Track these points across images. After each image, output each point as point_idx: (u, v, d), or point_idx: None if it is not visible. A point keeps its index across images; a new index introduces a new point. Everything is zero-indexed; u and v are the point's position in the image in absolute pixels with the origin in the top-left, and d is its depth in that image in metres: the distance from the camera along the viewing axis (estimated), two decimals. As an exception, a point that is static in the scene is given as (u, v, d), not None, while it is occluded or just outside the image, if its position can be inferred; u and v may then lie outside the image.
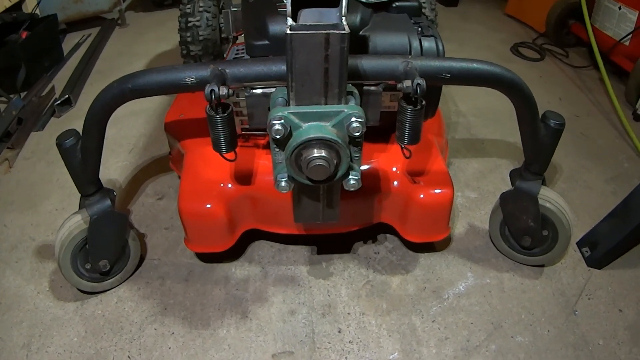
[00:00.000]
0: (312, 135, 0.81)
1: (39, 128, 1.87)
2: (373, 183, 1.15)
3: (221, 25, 1.62)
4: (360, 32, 1.05)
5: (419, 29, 1.08)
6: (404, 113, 0.90)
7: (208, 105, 0.89)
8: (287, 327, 1.12)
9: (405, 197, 1.15)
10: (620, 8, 2.08)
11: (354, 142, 0.86)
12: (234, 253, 1.29)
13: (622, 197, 1.25)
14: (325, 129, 0.82)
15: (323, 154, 0.82)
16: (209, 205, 1.12)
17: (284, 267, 1.27)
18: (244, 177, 1.14)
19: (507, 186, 1.20)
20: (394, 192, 1.16)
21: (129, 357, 1.06)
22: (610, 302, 1.18)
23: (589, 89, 2.15)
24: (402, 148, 0.99)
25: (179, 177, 1.25)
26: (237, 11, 1.60)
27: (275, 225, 1.22)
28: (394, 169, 1.16)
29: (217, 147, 0.94)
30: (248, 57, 1.07)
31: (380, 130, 1.17)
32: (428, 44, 1.05)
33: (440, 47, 1.05)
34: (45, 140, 1.79)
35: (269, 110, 0.90)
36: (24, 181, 1.60)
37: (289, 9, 0.79)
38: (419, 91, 0.85)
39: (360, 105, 0.88)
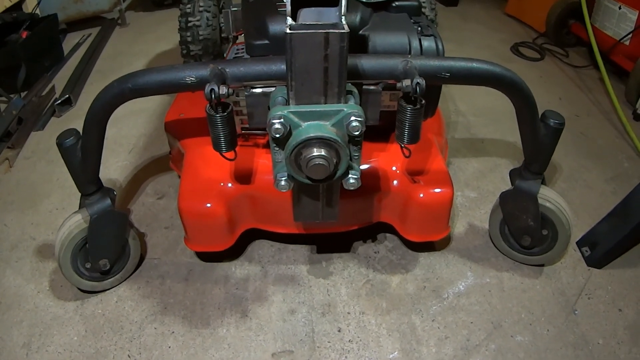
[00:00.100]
0: (311, 135, 0.82)
1: (39, 128, 1.87)
2: (373, 182, 1.15)
3: (221, 25, 1.62)
4: (360, 32, 1.06)
5: (419, 28, 1.08)
6: (404, 112, 0.90)
7: (208, 105, 0.89)
8: (287, 326, 1.12)
9: (405, 197, 1.15)
10: (620, 8, 2.08)
11: (353, 141, 0.86)
12: (234, 252, 1.29)
13: (622, 196, 1.25)
14: (325, 128, 0.82)
15: (322, 153, 0.83)
16: (209, 205, 1.12)
17: (284, 266, 1.27)
18: (243, 177, 1.14)
19: (507, 186, 1.20)
20: (393, 191, 1.16)
21: (129, 356, 1.06)
22: (610, 301, 1.18)
23: (589, 89, 2.15)
24: (401, 147, 0.99)
25: (179, 176, 1.25)
26: (237, 11, 1.61)
27: (275, 224, 1.22)
28: (394, 168, 1.16)
29: (217, 147, 0.94)
30: (248, 56, 1.07)
31: (380, 130, 1.17)
32: (428, 43, 1.05)
33: (440, 47, 1.05)
34: (45, 140, 1.80)
35: (269, 109, 0.90)
36: (24, 181, 1.60)
37: (288, 8, 0.79)
38: (418, 90, 0.85)
39: (360, 105, 0.88)
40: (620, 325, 1.13)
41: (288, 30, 0.76)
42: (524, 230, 1.20)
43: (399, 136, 0.94)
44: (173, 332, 1.11)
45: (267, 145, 1.18)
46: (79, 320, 1.14)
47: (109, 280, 1.20)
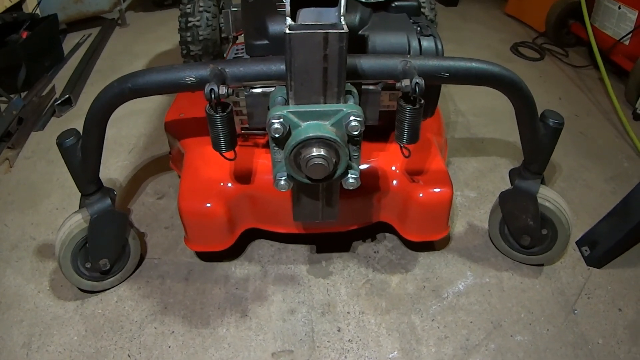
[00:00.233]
0: (311, 134, 0.82)
1: (39, 128, 1.87)
2: (372, 182, 1.15)
3: (221, 25, 1.62)
4: (360, 32, 1.06)
5: (418, 28, 1.08)
6: (403, 112, 0.90)
7: (208, 105, 0.89)
8: (287, 326, 1.12)
9: (405, 196, 1.15)
10: (619, 7, 2.08)
11: (352, 141, 0.86)
12: (234, 252, 1.29)
13: (621, 196, 1.25)
14: (324, 128, 0.83)
15: (322, 153, 0.83)
16: (208, 205, 1.12)
17: (284, 266, 1.27)
18: (243, 176, 1.14)
19: (506, 185, 1.20)
20: (393, 191, 1.16)
21: (129, 355, 1.07)
22: (609, 301, 1.18)
23: (588, 89, 2.15)
24: (401, 147, 0.99)
25: (179, 176, 1.26)
26: (237, 11, 1.61)
27: (275, 224, 1.22)
28: (393, 168, 1.16)
29: (216, 147, 0.94)
30: (248, 56, 1.07)
31: (379, 130, 1.17)
32: (427, 43, 1.05)
33: (439, 47, 1.06)
34: (45, 140, 1.80)
35: (268, 109, 0.90)
36: (25, 181, 1.61)
37: (288, 8, 0.79)
38: (417, 90, 0.85)
39: (359, 105, 0.88)
40: (619, 325, 1.13)
41: (287, 31, 0.76)
42: (523, 230, 1.20)
43: (398, 136, 0.94)
44: (173, 331, 1.11)
45: (266, 145, 1.18)
46: (79, 320, 1.14)
47: (109, 280, 1.20)
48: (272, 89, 0.95)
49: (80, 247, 1.13)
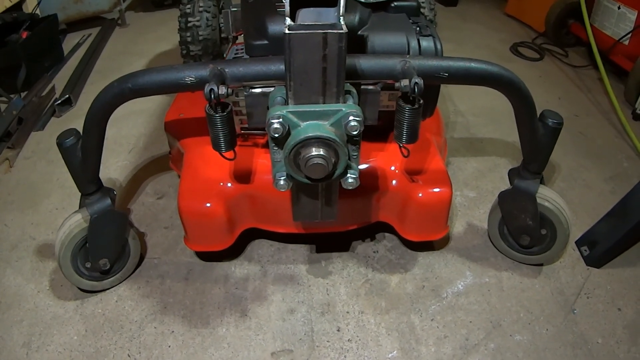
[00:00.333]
0: (310, 134, 0.82)
1: (39, 128, 1.87)
2: (371, 182, 1.16)
3: (221, 25, 1.62)
4: (359, 32, 1.06)
5: (417, 28, 1.08)
6: (402, 112, 0.90)
7: (207, 105, 0.89)
8: (287, 326, 1.13)
9: (404, 196, 1.16)
10: (619, 7, 2.08)
11: (352, 140, 0.86)
12: (234, 252, 1.29)
13: (621, 196, 1.25)
14: (324, 128, 0.83)
15: (321, 153, 0.83)
16: (208, 204, 1.12)
17: (283, 265, 1.27)
18: (243, 176, 1.14)
19: (506, 185, 1.20)
20: (392, 191, 1.16)
21: (128, 355, 1.07)
22: (609, 300, 1.19)
23: (588, 89, 2.16)
24: (400, 147, 0.99)
25: (179, 176, 1.26)
26: (237, 11, 1.61)
27: (275, 224, 1.22)
28: (393, 167, 1.16)
29: (216, 146, 0.94)
30: (247, 56, 1.07)
31: (378, 130, 1.17)
32: (426, 43, 1.06)
33: (439, 47, 1.06)
34: (45, 140, 1.80)
35: (268, 109, 0.90)
36: (25, 180, 1.61)
37: (287, 8, 0.79)
38: (416, 90, 0.85)
39: (359, 105, 0.88)
40: (619, 325, 1.13)
41: (287, 31, 0.76)
42: (522, 230, 1.20)
43: (397, 136, 0.95)
44: (173, 331, 1.12)
45: (266, 145, 1.18)
46: (79, 319, 1.14)
47: (109, 279, 1.20)
48: (272, 89, 0.95)
49: (80, 247, 1.13)
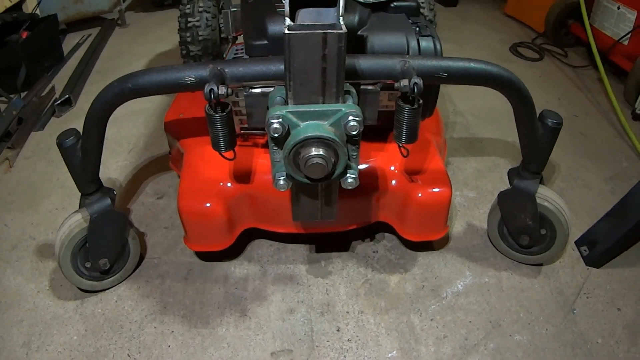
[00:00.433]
0: (309, 134, 0.82)
1: (39, 128, 1.87)
2: (371, 182, 1.16)
3: (221, 25, 1.62)
4: (358, 32, 1.06)
5: (417, 28, 1.08)
6: (402, 112, 0.91)
7: (207, 105, 0.90)
8: (286, 326, 1.13)
9: (404, 196, 1.16)
10: (619, 8, 2.08)
11: (351, 140, 0.86)
12: (233, 252, 1.29)
13: (620, 196, 1.26)
14: (323, 128, 0.83)
15: (321, 153, 0.83)
16: (208, 204, 1.12)
17: (283, 265, 1.27)
18: (243, 176, 1.14)
19: (505, 185, 1.20)
20: (392, 191, 1.16)
21: (128, 355, 1.07)
22: (608, 300, 1.19)
23: (587, 89, 2.16)
24: (400, 147, 1.00)
25: (179, 176, 1.26)
26: (237, 11, 1.61)
27: (274, 224, 1.22)
28: (392, 167, 1.16)
29: (216, 146, 0.95)
30: (247, 57, 1.07)
31: (378, 130, 1.17)
32: (425, 43, 1.06)
33: (438, 47, 1.06)
34: (45, 140, 1.80)
35: (268, 109, 0.90)
36: (25, 180, 1.61)
37: (287, 9, 0.79)
38: (416, 90, 0.86)
39: (358, 105, 0.88)
40: (618, 325, 1.13)
41: (286, 31, 0.76)
42: (522, 230, 1.20)
43: (397, 136, 0.95)
44: (172, 331, 1.12)
45: (266, 145, 1.19)
46: (78, 319, 1.14)
47: (109, 279, 1.20)
48: (271, 89, 0.96)
49: (80, 246, 1.13)
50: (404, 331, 1.11)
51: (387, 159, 1.17)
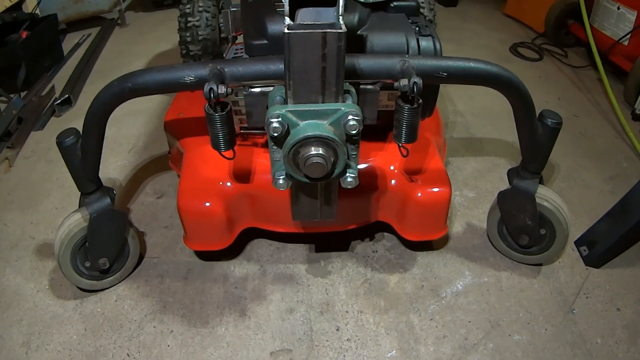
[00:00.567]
0: (309, 133, 0.82)
1: (39, 127, 1.87)
2: (371, 181, 1.16)
3: (220, 25, 1.62)
4: (358, 32, 1.06)
5: (417, 28, 1.09)
6: (401, 112, 0.91)
7: (207, 104, 0.90)
8: (286, 325, 1.13)
9: (403, 196, 1.16)
10: (619, 8, 2.08)
11: (351, 140, 0.86)
12: (233, 251, 1.29)
13: (620, 196, 1.26)
14: (323, 127, 0.83)
15: (320, 152, 0.83)
16: (208, 204, 1.12)
17: (283, 265, 1.27)
18: (242, 176, 1.14)
19: (505, 185, 1.20)
20: (391, 191, 1.16)
21: (128, 354, 1.07)
22: (608, 300, 1.19)
23: (587, 89, 2.16)
24: (399, 147, 1.00)
25: (179, 175, 1.26)
26: (237, 11, 1.61)
27: (274, 223, 1.22)
28: (392, 167, 1.16)
29: (215, 146, 0.95)
30: (247, 56, 1.07)
31: (378, 129, 1.17)
32: (425, 43, 1.06)
33: (438, 47, 1.06)
34: (45, 140, 1.80)
35: (267, 108, 0.90)
36: (24, 180, 1.61)
37: (286, 8, 0.79)
38: (415, 90, 0.86)
39: (358, 104, 0.88)
40: (618, 325, 1.13)
41: (286, 30, 0.76)
42: (521, 230, 1.20)
43: (396, 135, 0.95)
44: (172, 330, 1.12)
45: (265, 145, 1.19)
46: (78, 319, 1.14)
47: (109, 279, 1.20)
48: (271, 88, 0.96)
49: (80, 246, 1.13)
50: (403, 331, 1.11)
51: (386, 159, 1.17)
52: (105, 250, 1.14)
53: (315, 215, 1.04)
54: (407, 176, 1.16)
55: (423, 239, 1.24)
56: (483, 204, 1.47)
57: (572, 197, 1.51)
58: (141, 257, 1.29)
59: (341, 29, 0.77)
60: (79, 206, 1.15)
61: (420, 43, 1.06)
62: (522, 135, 1.08)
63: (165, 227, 1.40)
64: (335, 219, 1.05)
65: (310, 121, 0.84)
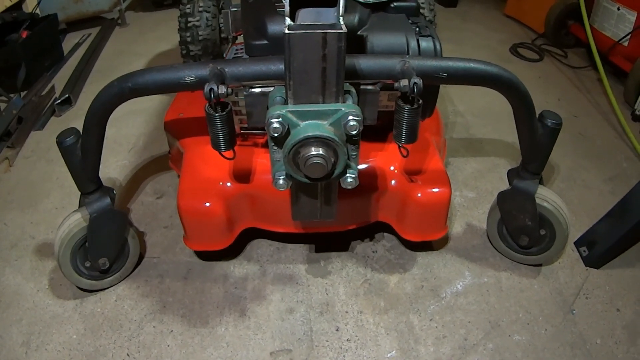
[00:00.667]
0: (309, 134, 0.82)
1: (39, 127, 1.87)
2: (371, 182, 1.16)
3: (221, 25, 1.62)
4: (358, 32, 1.06)
5: (417, 29, 1.09)
6: (401, 112, 0.91)
7: (207, 104, 0.90)
8: (285, 325, 1.13)
9: (403, 196, 1.16)
10: (619, 9, 2.08)
11: (351, 140, 0.86)
12: (233, 251, 1.29)
13: (620, 196, 1.26)
14: (323, 128, 0.83)
15: (320, 152, 0.83)
16: (208, 204, 1.12)
17: (283, 265, 1.27)
18: (242, 176, 1.14)
19: (505, 185, 1.20)
20: (391, 191, 1.16)
21: (127, 354, 1.07)
22: (607, 301, 1.19)
23: (587, 90, 2.16)
24: (399, 147, 1.00)
25: (179, 175, 1.26)
26: (237, 11, 1.61)
27: (274, 223, 1.22)
28: (392, 167, 1.16)
29: (216, 146, 0.95)
30: (247, 56, 1.07)
31: (378, 130, 1.17)
32: (425, 43, 1.06)
33: (438, 47, 1.06)
34: (45, 139, 1.80)
35: (268, 109, 0.90)
36: (24, 180, 1.61)
37: (287, 8, 0.79)
38: (415, 90, 0.86)
39: (358, 104, 0.88)
40: (618, 325, 1.13)
41: (286, 31, 0.76)
42: (521, 230, 1.20)
43: (396, 136, 0.95)
44: (172, 330, 1.12)
45: (266, 145, 1.19)
46: (78, 318, 1.14)
47: (108, 279, 1.20)
48: (271, 88, 0.96)
49: (80, 246, 1.13)
50: (403, 331, 1.11)
51: (386, 159, 1.17)
52: (105, 250, 1.14)
53: (315, 215, 1.04)
54: (407, 176, 1.16)
55: (423, 239, 1.24)
56: (483, 205, 1.47)
57: (572, 198, 1.51)
58: (141, 257, 1.29)
59: (341, 29, 0.77)
60: (79, 206, 1.15)
61: (420, 43, 1.06)
62: (522, 135, 1.08)
63: (165, 227, 1.40)
64: (335, 219, 1.05)
65: (310, 121, 0.84)
